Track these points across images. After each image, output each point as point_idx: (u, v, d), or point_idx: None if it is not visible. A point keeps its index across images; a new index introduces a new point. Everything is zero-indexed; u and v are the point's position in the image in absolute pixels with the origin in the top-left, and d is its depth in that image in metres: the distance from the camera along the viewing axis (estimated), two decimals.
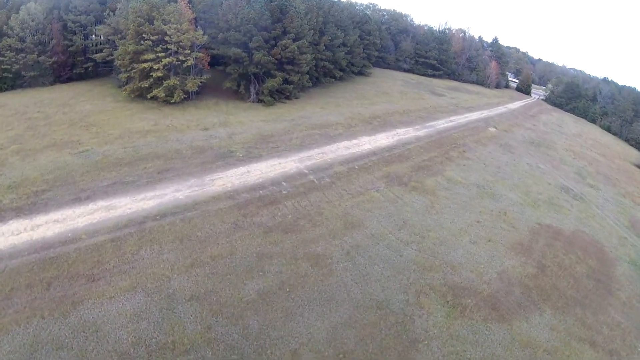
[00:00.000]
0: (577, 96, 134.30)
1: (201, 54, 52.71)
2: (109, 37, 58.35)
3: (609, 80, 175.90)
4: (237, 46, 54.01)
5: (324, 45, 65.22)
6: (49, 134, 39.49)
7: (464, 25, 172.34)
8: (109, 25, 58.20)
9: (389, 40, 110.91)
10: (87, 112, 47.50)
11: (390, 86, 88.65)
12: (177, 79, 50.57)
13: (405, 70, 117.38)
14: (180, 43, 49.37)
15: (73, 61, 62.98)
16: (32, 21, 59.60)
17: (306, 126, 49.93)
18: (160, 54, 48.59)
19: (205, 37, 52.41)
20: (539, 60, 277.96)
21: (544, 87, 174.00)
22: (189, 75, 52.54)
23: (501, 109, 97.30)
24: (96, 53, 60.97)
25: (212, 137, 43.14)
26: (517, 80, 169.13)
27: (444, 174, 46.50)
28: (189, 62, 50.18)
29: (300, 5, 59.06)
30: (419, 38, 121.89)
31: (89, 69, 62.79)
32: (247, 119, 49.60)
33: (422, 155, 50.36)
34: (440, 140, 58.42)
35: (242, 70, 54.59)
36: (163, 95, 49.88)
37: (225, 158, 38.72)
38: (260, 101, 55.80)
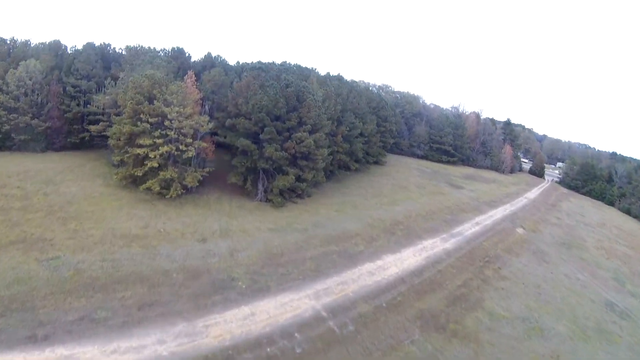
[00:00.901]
0: (593, 177, 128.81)
1: (205, 144, 46.08)
2: (106, 110, 52.61)
3: (624, 157, 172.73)
4: (246, 136, 47.62)
5: (342, 136, 59.05)
6: (21, 223, 34.70)
7: (476, 106, 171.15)
8: (108, 95, 52.71)
9: (402, 125, 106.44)
10: (71, 196, 41.76)
11: (406, 177, 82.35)
12: (175, 170, 43.56)
13: (419, 157, 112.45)
14: (182, 130, 42.81)
15: (69, 128, 57.76)
16: (30, 80, 54.50)
17: (321, 239, 41.98)
18: (158, 140, 42.03)
19: (211, 124, 46.20)
20: (544, 136, 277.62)
21: (553, 166, 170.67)
22: (189, 166, 45.55)
23: (522, 201, 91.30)
24: (92, 124, 54.94)
25: (210, 253, 35.16)
26: (526, 160, 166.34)
27: (484, 305, 38.47)
28: (190, 154, 43.34)
29: (318, 92, 53.43)
30: (432, 122, 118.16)
31: (85, 139, 57.02)
32: (252, 226, 41.82)
33: (455, 278, 42.21)
34: (471, 254, 50.48)
35: (250, 164, 47.75)
36: (158, 188, 42.62)
37: (225, 290, 30.54)
38: (268, 200, 48.43)
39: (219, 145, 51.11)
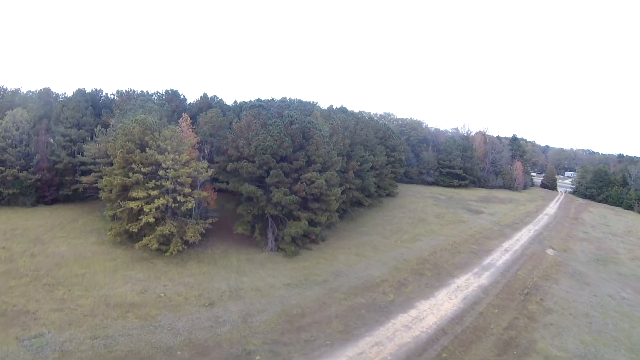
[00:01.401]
0: (607, 184, 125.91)
1: (205, 193, 41.91)
2: (97, 160, 48.93)
3: (632, 157, 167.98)
4: (251, 181, 43.51)
5: (353, 172, 54.81)
6: (2, 292, 31.21)
7: (480, 125, 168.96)
8: (99, 144, 49.05)
9: (409, 153, 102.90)
10: (60, 257, 38.24)
11: (422, 208, 78.00)
12: (174, 224, 39.23)
13: (429, 184, 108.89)
14: (179, 179, 38.74)
15: (60, 180, 54.89)
16: (17, 130, 51.39)
17: (345, 292, 37.02)
18: (152, 192, 37.86)
19: (211, 170, 42.25)
20: (547, 147, 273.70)
21: (561, 176, 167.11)
22: (190, 218, 41.20)
23: (543, 218, 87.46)
24: (84, 175, 51.35)
25: (219, 321, 30.27)
26: (534, 174, 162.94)
27: (537, 347, 33.65)
28: (190, 205, 39.07)
29: (324, 127, 49.60)
30: (439, 147, 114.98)
31: (78, 190, 53.38)
32: (266, 283, 37.00)
33: (499, 319, 37.12)
34: (509, 287, 45.53)
35: (257, 211, 43.46)
36: (156, 245, 38.19)
37: None
38: (280, 249, 43.78)
39: (221, 192, 47.03)
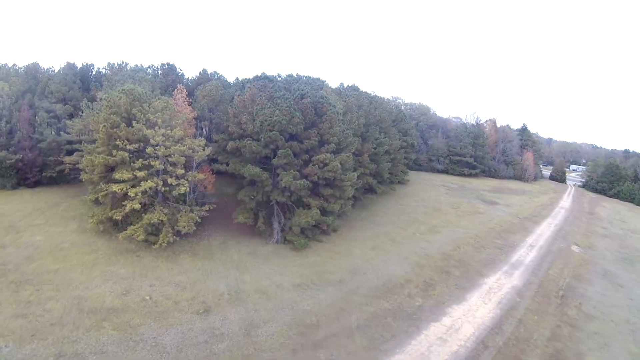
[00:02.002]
0: (619, 178, 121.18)
1: (202, 175, 35.93)
2: (82, 137, 43.16)
3: (638, 153, 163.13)
4: (254, 162, 37.56)
5: (368, 155, 48.80)
6: None
7: (490, 114, 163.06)
8: (84, 119, 43.11)
9: (418, 139, 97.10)
10: (33, 248, 33.19)
11: (435, 197, 72.65)
12: (165, 212, 33.35)
13: (439, 171, 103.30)
14: (170, 158, 32.76)
15: (43, 161, 48.91)
16: None
17: (366, 294, 31.33)
18: (139, 173, 31.85)
19: (209, 149, 36.23)
20: (550, 139, 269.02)
21: (566, 169, 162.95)
22: (183, 205, 35.31)
23: (560, 212, 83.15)
24: (69, 154, 45.97)
25: (216, 334, 24.57)
26: (541, 166, 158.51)
27: None
28: (183, 189, 33.11)
29: (338, 103, 43.51)
30: (449, 133, 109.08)
31: (64, 172, 47.72)
32: (272, 283, 31.27)
33: (540, 328, 32.11)
34: (543, 289, 40.67)
35: (261, 197, 37.56)
36: (142, 236, 32.35)
37: None
38: (287, 241, 38.03)
39: (220, 175, 41.09)
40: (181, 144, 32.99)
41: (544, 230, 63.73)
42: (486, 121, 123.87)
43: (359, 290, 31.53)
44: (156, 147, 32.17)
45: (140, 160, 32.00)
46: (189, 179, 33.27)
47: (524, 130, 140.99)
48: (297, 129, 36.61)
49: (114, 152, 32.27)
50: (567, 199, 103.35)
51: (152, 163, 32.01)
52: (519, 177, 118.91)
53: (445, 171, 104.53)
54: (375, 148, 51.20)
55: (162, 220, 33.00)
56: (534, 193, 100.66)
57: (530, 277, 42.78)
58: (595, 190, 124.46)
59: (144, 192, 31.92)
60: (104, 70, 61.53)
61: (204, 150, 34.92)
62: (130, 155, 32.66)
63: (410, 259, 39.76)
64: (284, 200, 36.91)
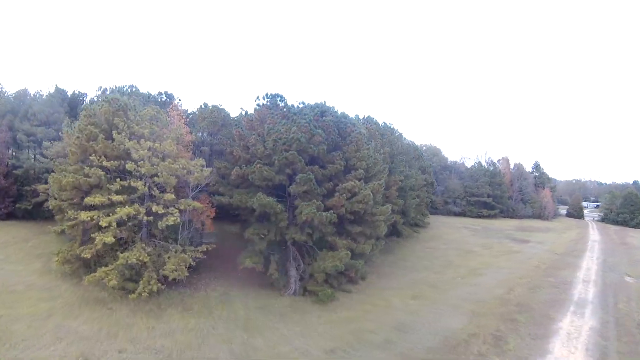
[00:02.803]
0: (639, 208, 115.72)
1: (198, 204, 28.36)
2: (58, 161, 36.54)
3: None
4: (266, 190, 30.11)
5: (395, 190, 41.48)
6: None
7: (501, 153, 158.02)
8: (62, 141, 36.75)
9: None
10: None
11: (462, 238, 65.63)
12: (148, 250, 25.46)
13: (455, 214, 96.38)
14: (156, 179, 25.34)
15: (18, 191, 42.56)
16: None
17: (424, 358, 22.95)
18: (115, 197, 24.28)
19: (208, 170, 29.08)
20: (554, 179, 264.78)
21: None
22: (174, 243, 27.48)
23: (595, 245, 76.37)
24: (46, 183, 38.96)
25: None
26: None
27: None
28: (172, 220, 25.31)
29: (361, 127, 36.90)
30: (462, 175, 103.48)
31: (42, 204, 40.29)
32: (294, 350, 22.73)
33: None
34: (623, 328, 32.59)
35: (274, 236, 29.82)
36: (115, 281, 24.43)
37: None
38: (307, 292, 29.94)
39: (221, 211, 33.53)
40: (173, 162, 25.68)
41: (589, 264, 56.82)
42: (499, 160, 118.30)
43: (415, 353, 23.12)
44: (139, 163, 24.85)
45: (119, 180, 24.59)
46: (182, 207, 25.66)
47: (537, 167, 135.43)
48: (319, 150, 29.62)
49: (87, 170, 24.98)
50: (593, 232, 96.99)
51: (133, 184, 24.59)
52: (538, 215, 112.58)
53: (462, 213, 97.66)
54: (401, 182, 43.91)
55: (143, 262, 25.11)
56: (559, 230, 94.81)
57: (604, 315, 35.04)
58: (617, 223, 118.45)
59: (121, 223, 24.33)
60: (96, 98, 55.56)
61: (201, 171, 27.54)
62: (108, 175, 25.37)
63: (463, 307, 31.55)
64: (303, 240, 29.13)
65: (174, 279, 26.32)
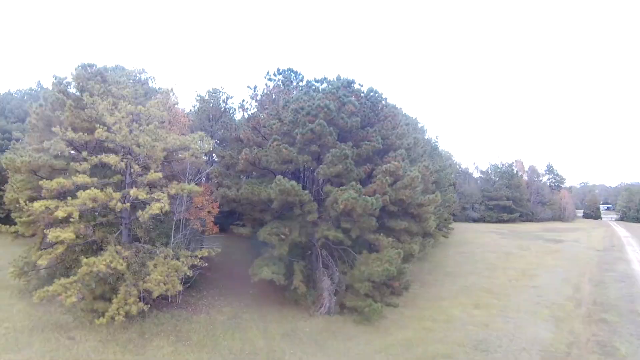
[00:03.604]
0: None
1: (198, 188, 20.93)
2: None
3: None
4: (287, 174, 23.04)
5: (432, 183, 34.67)
6: None
7: (514, 156, 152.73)
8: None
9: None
10: None
11: (494, 241, 59.96)
12: (125, 255, 18.10)
13: (474, 220, 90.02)
14: (138, 149, 18.13)
15: None
16: None
17: None
18: (80, 178, 17.25)
19: (211, 141, 22.20)
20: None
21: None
22: (162, 246, 19.96)
23: (630, 240, 72.65)
24: None
25: None
26: None
27: None
28: (158, 207, 17.59)
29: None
30: (478, 180, 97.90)
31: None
32: None
33: None
34: None
35: (298, 236, 22.51)
36: (74, 298, 17.45)
37: None
38: (345, 309, 22.62)
39: (225, 216, 26.48)
40: (158, 124, 18.65)
41: (638, 257, 51.71)
42: (512, 164, 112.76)
43: None
44: (114, 128, 17.76)
45: (85, 152, 17.53)
46: (173, 192, 18.38)
47: (550, 169, 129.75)
48: (352, 122, 22.77)
49: (47, 144, 17.94)
50: (619, 229, 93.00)
51: (105, 160, 17.42)
52: (558, 217, 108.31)
53: (481, 219, 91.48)
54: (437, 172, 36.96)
55: (119, 272, 17.78)
56: (585, 229, 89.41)
57: None
58: (637, 220, 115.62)
59: (88, 216, 17.12)
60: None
61: (204, 141, 20.47)
62: (74, 151, 18.34)
63: (539, 312, 25.12)
64: (338, 239, 21.71)
65: (164, 297, 19.05)
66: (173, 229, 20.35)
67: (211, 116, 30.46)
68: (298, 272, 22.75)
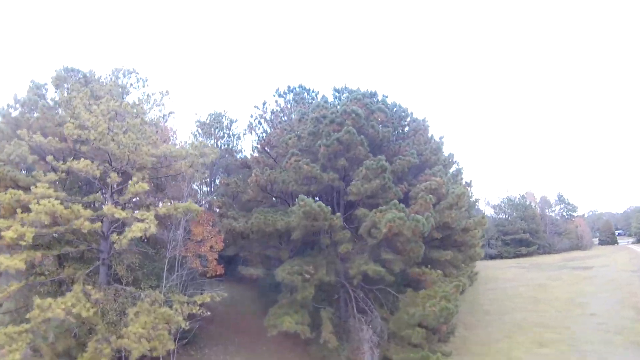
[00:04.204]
0: None
1: (196, 207, 16.25)
2: None
3: None
4: (311, 194, 18.74)
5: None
6: None
7: (525, 187, 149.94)
8: None
9: None
10: None
11: (520, 275, 57.20)
12: (95, 298, 13.27)
13: (491, 257, 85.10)
14: (115, 150, 13.84)
15: None
16: None
17: None
18: (39, 189, 12.96)
19: (215, 150, 17.99)
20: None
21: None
22: (151, 288, 15.11)
23: None
24: None
25: None
26: None
27: None
28: (141, 229, 12.95)
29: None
30: (490, 214, 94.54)
31: None
32: None
33: None
34: None
35: (325, 274, 17.88)
36: (18, 356, 12.12)
37: None
38: None
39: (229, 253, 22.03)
40: (142, 120, 14.62)
41: None
42: (523, 195, 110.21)
43: None
44: (89, 123, 13.66)
45: (52, 160, 13.42)
46: (162, 212, 13.91)
47: (561, 199, 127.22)
48: (383, 132, 18.97)
49: (9, 149, 13.86)
50: None
51: (75, 167, 13.16)
52: (576, 246, 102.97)
53: (499, 255, 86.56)
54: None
55: (89, 321, 13.09)
56: (607, 254, 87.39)
57: None
58: None
59: (48, 239, 12.71)
60: None
61: (202, 149, 16.27)
62: (42, 162, 14.24)
63: (614, 340, 22.59)
64: (380, 273, 17.10)
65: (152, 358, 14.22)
66: (165, 268, 15.75)
67: (214, 141, 26.51)
68: (326, 320, 18.06)
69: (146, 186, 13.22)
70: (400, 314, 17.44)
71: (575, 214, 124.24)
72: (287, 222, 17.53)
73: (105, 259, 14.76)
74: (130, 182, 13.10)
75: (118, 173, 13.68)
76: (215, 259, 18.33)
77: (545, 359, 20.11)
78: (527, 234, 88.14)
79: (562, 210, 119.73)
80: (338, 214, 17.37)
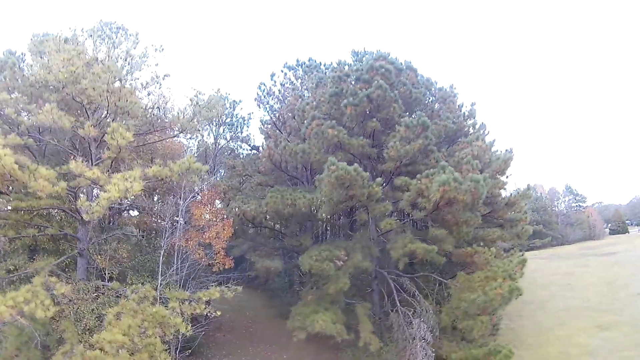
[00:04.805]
0: None
1: (201, 205, 13.61)
2: None
3: None
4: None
5: None
6: None
7: (533, 179, 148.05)
8: None
9: None
10: None
11: (544, 266, 53.72)
12: (62, 291, 10.25)
13: (505, 251, 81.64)
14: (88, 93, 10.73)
15: None
16: None
17: None
18: None
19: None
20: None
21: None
22: (137, 285, 11.77)
23: None
24: None
25: None
26: None
27: None
28: (123, 189, 9.98)
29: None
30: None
31: None
32: None
33: None
34: None
35: (361, 260, 14.66)
36: None
37: None
38: None
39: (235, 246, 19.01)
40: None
41: None
42: (535, 184, 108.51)
43: None
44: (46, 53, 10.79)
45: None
46: (152, 173, 10.77)
47: (569, 190, 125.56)
48: (416, 94, 16.09)
49: None
50: None
51: (40, 119, 10.21)
52: (589, 236, 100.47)
53: (511, 248, 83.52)
54: None
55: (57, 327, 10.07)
56: (625, 241, 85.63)
57: None
58: None
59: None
60: None
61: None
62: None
63: None
64: (430, 254, 13.82)
65: None
66: (161, 260, 12.54)
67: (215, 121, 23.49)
68: (364, 318, 14.93)
69: (130, 136, 10.08)
70: (454, 302, 14.31)
71: (584, 204, 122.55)
72: (310, 199, 14.50)
73: (83, 249, 11.61)
74: (108, 130, 9.93)
75: (95, 126, 10.61)
76: (223, 248, 14.99)
77: (614, 342, 17.81)
78: (540, 226, 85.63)
79: (570, 201, 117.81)
80: (379, 179, 14.28)
